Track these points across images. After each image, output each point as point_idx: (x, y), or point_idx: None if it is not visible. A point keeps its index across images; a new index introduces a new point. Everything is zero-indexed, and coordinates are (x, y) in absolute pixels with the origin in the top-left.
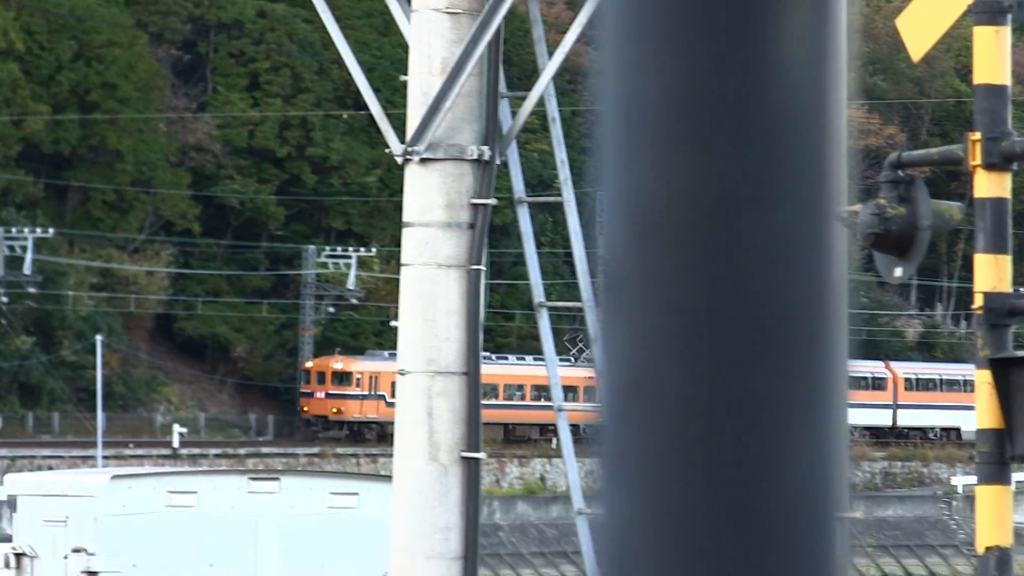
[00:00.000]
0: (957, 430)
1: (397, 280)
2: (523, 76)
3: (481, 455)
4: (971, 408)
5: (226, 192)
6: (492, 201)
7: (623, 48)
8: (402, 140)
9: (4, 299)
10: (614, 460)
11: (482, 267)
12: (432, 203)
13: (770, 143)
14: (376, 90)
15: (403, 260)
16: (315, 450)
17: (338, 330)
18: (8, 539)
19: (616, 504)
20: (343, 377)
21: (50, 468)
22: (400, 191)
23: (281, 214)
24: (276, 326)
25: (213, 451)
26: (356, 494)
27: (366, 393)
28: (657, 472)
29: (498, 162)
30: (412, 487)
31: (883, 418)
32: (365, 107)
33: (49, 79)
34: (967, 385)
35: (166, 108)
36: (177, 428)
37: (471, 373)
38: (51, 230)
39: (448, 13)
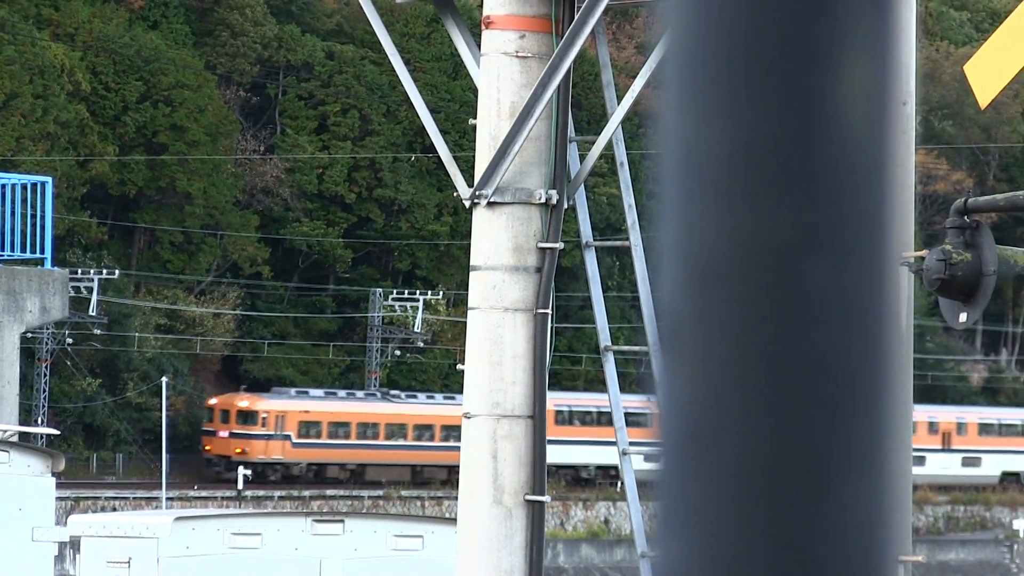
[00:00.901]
0: None
1: (463, 323)
2: (592, 120)
3: (546, 498)
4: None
5: (294, 235)
6: (559, 245)
7: (684, 96)
8: (470, 183)
9: (69, 340)
10: (673, 505)
11: (549, 311)
12: (500, 246)
13: (831, 192)
14: (444, 133)
15: (470, 303)
16: (379, 492)
17: (403, 373)
18: None
19: (674, 549)
20: (248, 416)
21: (114, 509)
22: (467, 235)
23: (348, 257)
24: (342, 368)
25: (278, 493)
26: (420, 536)
27: (272, 433)
28: (716, 518)
29: (566, 206)
30: (476, 530)
31: None
32: (433, 150)
33: (115, 120)
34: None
35: (234, 150)
36: (242, 470)
37: (536, 416)
38: (116, 271)
39: (518, 57)
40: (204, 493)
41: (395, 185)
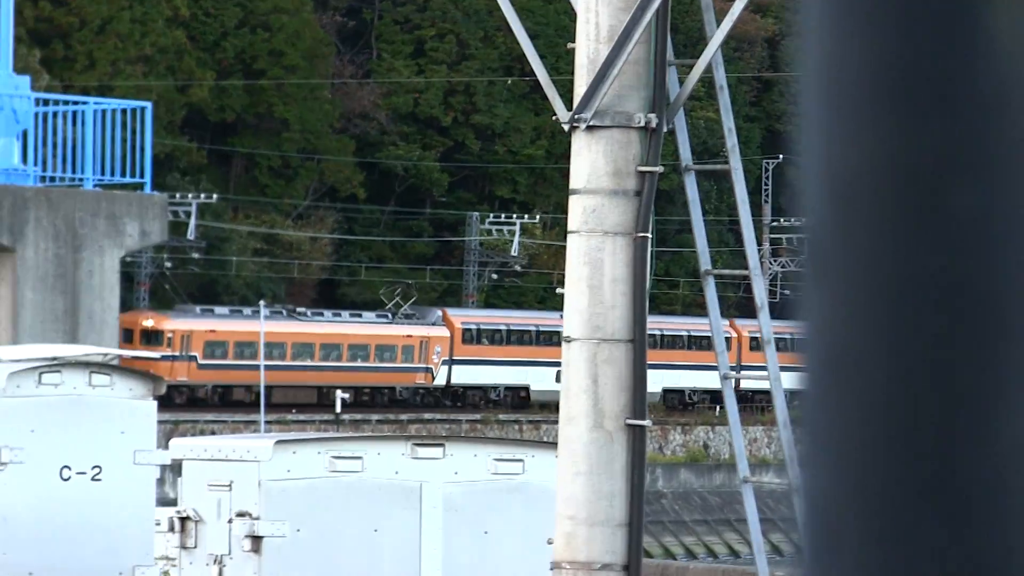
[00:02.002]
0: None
1: (560, 247)
2: (688, 44)
3: (646, 422)
4: None
5: (390, 158)
6: (659, 168)
7: (828, 14)
8: (568, 107)
9: (168, 264)
10: (818, 431)
11: (648, 235)
12: (599, 170)
13: (981, 113)
14: (541, 57)
15: (569, 227)
16: (477, 416)
17: (501, 296)
18: (173, 503)
19: (820, 475)
20: (152, 336)
21: (213, 433)
22: (564, 159)
23: (445, 181)
24: (439, 292)
25: (375, 416)
26: (521, 460)
27: (177, 354)
28: (861, 444)
29: (665, 129)
30: (577, 454)
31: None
32: (529, 74)
33: (214, 45)
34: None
35: (331, 75)
36: (340, 393)
37: (637, 340)
38: (215, 195)
39: None
40: (302, 417)
41: (490, 109)
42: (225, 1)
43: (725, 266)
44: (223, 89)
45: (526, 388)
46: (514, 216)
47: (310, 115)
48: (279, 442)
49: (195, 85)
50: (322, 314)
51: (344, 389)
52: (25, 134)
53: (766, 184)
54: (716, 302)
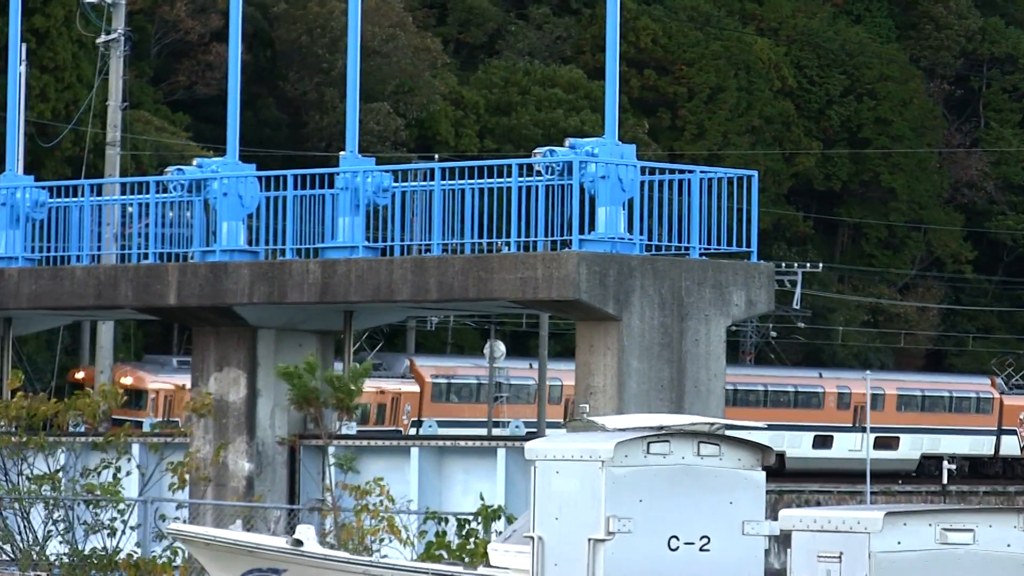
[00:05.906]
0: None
1: None
2: None
3: None
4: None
5: (998, 228)
6: None
7: None
8: None
9: (773, 333)
10: None
11: None
12: None
13: None
14: None
15: None
16: None
17: None
18: (778, 574)
19: None
20: (132, 396)
21: (819, 503)
22: None
23: None
24: None
25: (982, 488)
26: None
27: (160, 420)
28: None
29: None
30: None
31: None
32: None
33: (819, 114)
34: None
35: (938, 144)
36: (946, 464)
37: None
38: (820, 265)
39: None
40: (908, 488)
41: None
42: (831, 70)
43: None
44: (828, 158)
45: None
46: None
47: (918, 185)
48: (889, 513)
49: (801, 155)
50: None
51: None
52: (631, 203)
53: None
54: None
